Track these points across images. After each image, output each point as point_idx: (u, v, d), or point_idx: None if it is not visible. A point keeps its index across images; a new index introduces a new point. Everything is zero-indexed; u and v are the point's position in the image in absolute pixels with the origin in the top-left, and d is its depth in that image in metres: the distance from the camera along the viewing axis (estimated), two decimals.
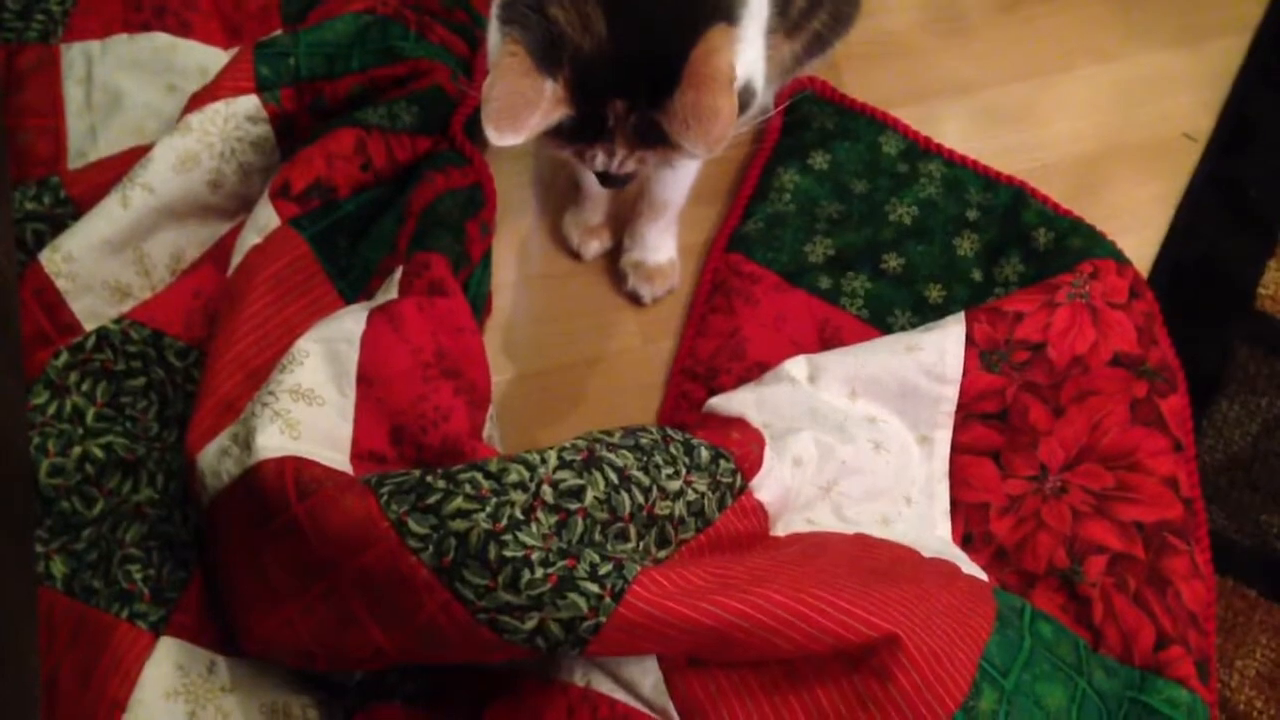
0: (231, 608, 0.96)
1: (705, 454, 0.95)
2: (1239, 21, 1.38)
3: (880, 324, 1.16)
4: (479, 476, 0.86)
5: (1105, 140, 1.32)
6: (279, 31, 1.26)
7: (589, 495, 0.88)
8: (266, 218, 1.09)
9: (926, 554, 0.99)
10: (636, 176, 0.97)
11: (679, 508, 0.91)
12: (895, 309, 1.17)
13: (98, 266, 1.09)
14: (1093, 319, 1.11)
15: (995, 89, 1.34)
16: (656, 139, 0.87)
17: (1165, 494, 1.06)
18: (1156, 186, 1.28)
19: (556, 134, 0.88)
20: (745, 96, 0.88)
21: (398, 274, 1.06)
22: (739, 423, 1.02)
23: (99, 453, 1.03)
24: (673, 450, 0.94)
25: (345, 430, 0.95)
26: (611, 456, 0.91)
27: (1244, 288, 1.23)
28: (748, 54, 0.89)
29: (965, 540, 1.05)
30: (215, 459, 0.95)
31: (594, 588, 0.82)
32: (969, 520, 1.06)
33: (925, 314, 1.16)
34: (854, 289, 1.17)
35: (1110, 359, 1.11)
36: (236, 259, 1.08)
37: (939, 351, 1.09)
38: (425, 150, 1.19)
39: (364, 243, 1.13)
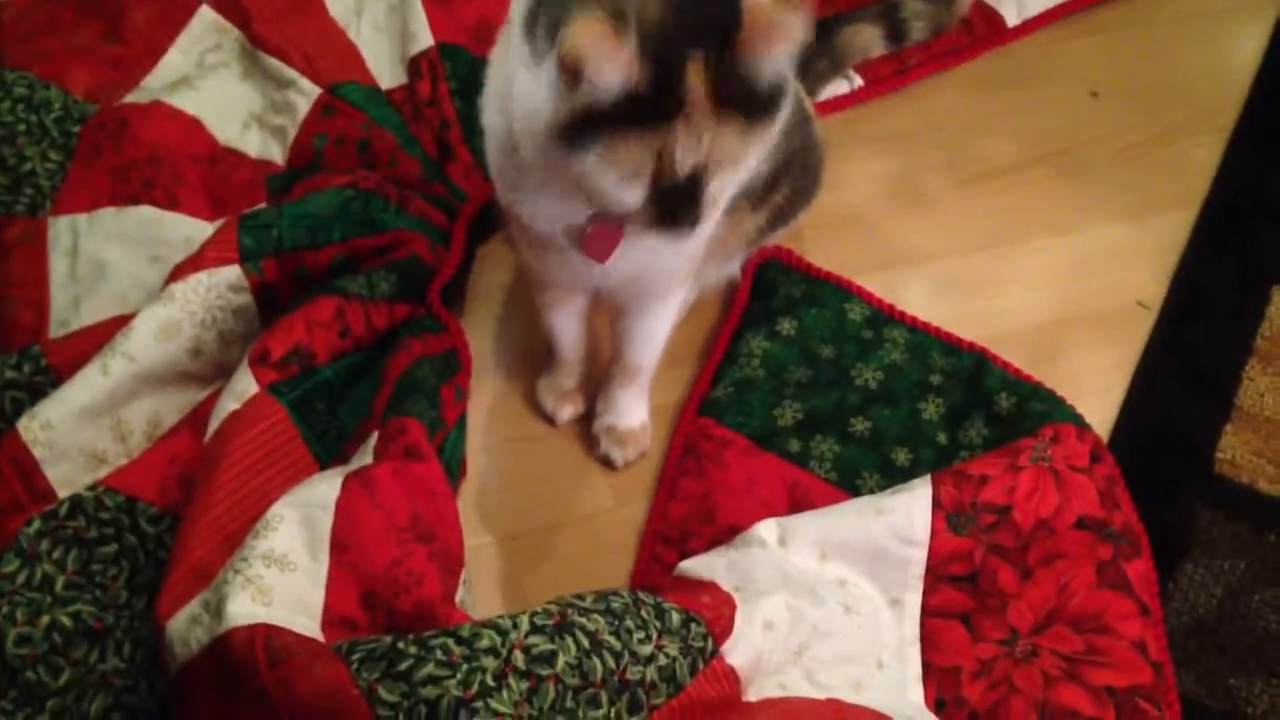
0: None
1: (676, 618, 0.95)
2: (1186, 196, 1.43)
3: (849, 486, 1.18)
4: (450, 642, 0.87)
5: (1061, 309, 1.35)
6: (263, 205, 1.29)
7: (560, 661, 0.88)
8: (245, 384, 1.10)
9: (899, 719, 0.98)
10: (704, 206, 0.88)
11: (650, 672, 0.91)
12: (863, 471, 1.18)
13: (74, 434, 1.09)
14: (1056, 483, 1.13)
15: (955, 259, 1.39)
16: (736, 94, 0.82)
17: (1135, 658, 1.06)
18: (1112, 353, 1.32)
19: (629, 117, 0.82)
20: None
21: (373, 439, 1.07)
22: (710, 587, 1.02)
23: (67, 621, 1.01)
24: (644, 614, 0.94)
25: (317, 596, 0.95)
26: (583, 621, 0.91)
27: (1202, 452, 1.25)
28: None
29: (939, 706, 1.04)
30: (185, 627, 0.94)
31: None
32: (941, 685, 1.05)
33: (893, 476, 1.18)
34: (822, 452, 1.19)
35: (1075, 522, 1.12)
36: (214, 424, 1.09)
37: (907, 515, 1.10)
38: (403, 317, 1.22)
39: (341, 407, 1.14)
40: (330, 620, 0.94)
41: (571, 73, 0.79)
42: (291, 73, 1.38)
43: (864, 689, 1.02)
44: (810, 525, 1.09)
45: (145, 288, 1.22)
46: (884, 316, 1.29)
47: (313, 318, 1.15)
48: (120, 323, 1.15)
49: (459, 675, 0.84)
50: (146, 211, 1.28)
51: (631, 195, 0.85)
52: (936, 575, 1.09)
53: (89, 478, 1.10)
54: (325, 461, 1.10)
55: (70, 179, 1.30)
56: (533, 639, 0.89)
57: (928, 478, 1.13)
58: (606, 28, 0.78)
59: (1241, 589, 1.16)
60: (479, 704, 0.83)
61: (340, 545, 0.97)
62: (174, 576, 0.99)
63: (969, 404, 1.23)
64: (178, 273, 1.16)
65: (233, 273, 1.17)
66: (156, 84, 1.40)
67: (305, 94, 1.37)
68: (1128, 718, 1.04)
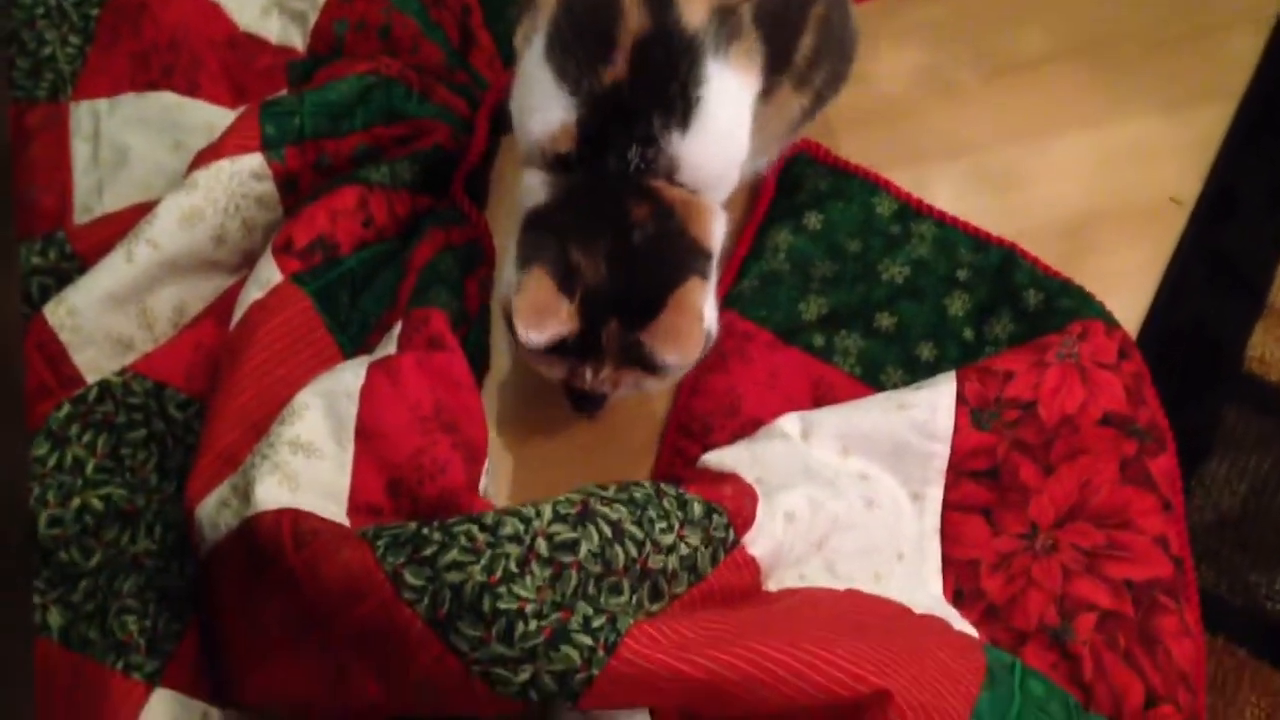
0: (226, 659, 0.97)
1: (698, 508, 0.96)
2: (1224, 90, 1.39)
3: (873, 382, 1.17)
4: (474, 529, 0.88)
5: (1092, 203, 1.32)
6: (284, 92, 1.27)
7: (583, 548, 0.89)
8: (269, 273, 1.10)
9: (918, 610, 1.00)
10: (606, 404, 1.11)
11: (672, 561, 0.92)
12: (888, 367, 1.18)
13: (100, 320, 1.10)
14: (1082, 378, 1.13)
15: (985, 152, 1.35)
16: (636, 360, 1.01)
17: (1155, 552, 1.07)
18: (1143, 250, 1.30)
19: (559, 350, 1.00)
20: (706, 340, 1.03)
21: (397, 329, 1.07)
22: (732, 478, 1.03)
23: (98, 504, 1.03)
24: (666, 504, 0.95)
25: (343, 482, 0.97)
26: (606, 510, 0.92)
27: (1232, 350, 1.24)
28: (708, 310, 1.03)
29: (956, 597, 1.05)
30: (214, 510, 0.96)
31: (587, 640, 0.83)
32: (960, 577, 1.06)
33: (917, 372, 1.17)
34: (847, 347, 1.19)
35: (1100, 418, 1.11)
36: (239, 313, 1.09)
37: (930, 409, 1.10)
38: (427, 207, 1.21)
39: (365, 297, 1.14)
40: (356, 506, 0.96)
41: (517, 332, 0.97)
42: None
43: (883, 579, 1.03)
44: (833, 419, 1.10)
45: (168, 175, 1.21)
46: (911, 211, 1.26)
47: (336, 207, 1.14)
48: (143, 210, 1.14)
49: (483, 561, 0.86)
50: (167, 98, 1.27)
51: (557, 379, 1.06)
52: (959, 470, 1.09)
53: (116, 364, 1.11)
54: (349, 350, 1.11)
55: (90, 64, 1.28)
56: (555, 527, 0.90)
57: (952, 373, 1.13)
58: (550, 295, 0.98)
59: (1266, 486, 1.16)
60: (502, 589, 0.84)
61: (365, 433, 0.98)
62: (202, 462, 1.00)
63: (996, 300, 1.21)
64: (200, 160, 1.16)
65: (255, 160, 1.16)
66: None
67: None
68: (1145, 610, 1.04)
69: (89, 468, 1.05)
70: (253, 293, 1.10)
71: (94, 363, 1.10)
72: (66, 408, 1.07)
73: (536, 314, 0.97)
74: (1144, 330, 1.24)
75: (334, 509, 0.95)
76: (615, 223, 0.99)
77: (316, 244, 1.13)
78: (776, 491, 1.02)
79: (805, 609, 0.97)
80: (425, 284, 1.13)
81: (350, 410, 0.99)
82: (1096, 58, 1.43)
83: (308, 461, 0.96)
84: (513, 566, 0.86)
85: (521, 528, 0.89)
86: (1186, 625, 1.05)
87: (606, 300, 0.99)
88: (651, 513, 0.94)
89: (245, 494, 0.94)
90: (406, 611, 0.85)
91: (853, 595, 1.01)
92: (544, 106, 1.00)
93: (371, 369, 1.02)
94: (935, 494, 1.09)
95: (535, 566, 0.87)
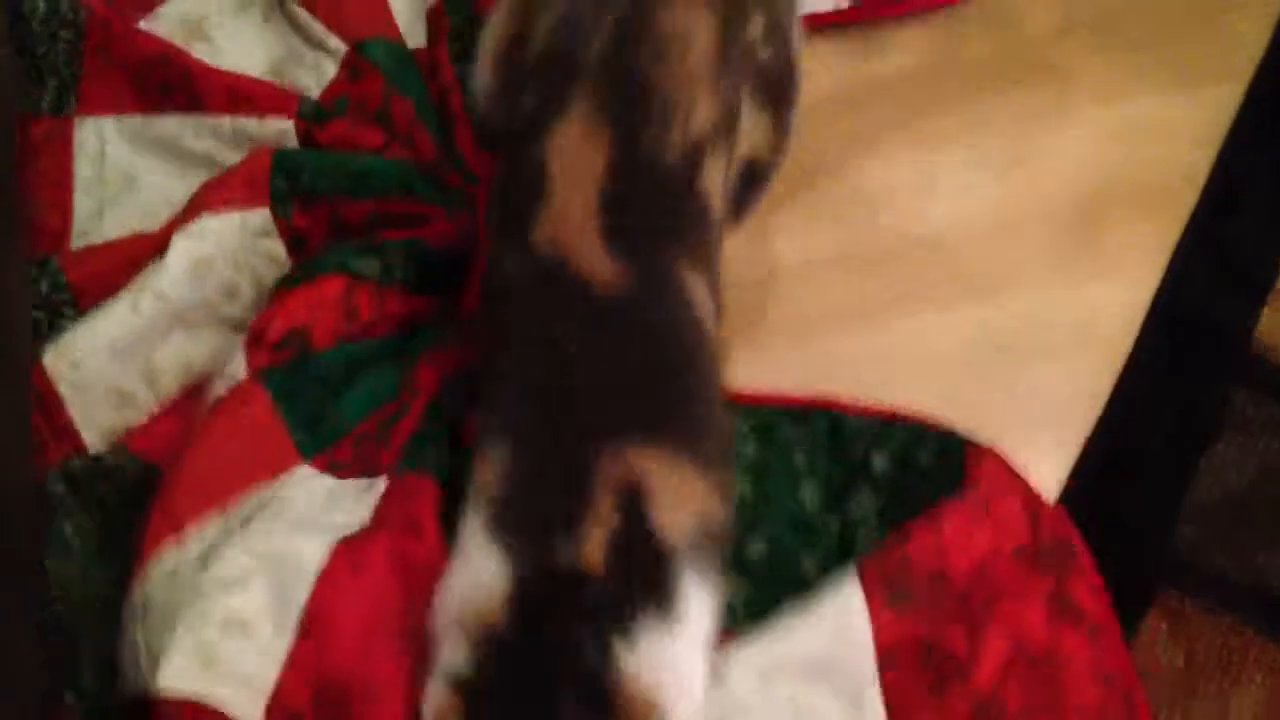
0: None
1: None
2: (1234, 71, 1.35)
3: None
4: None
5: (1100, 183, 1.29)
6: (297, 147, 1.22)
7: None
8: (234, 367, 1.05)
9: None
10: None
11: None
12: (780, 601, 1.04)
13: (102, 372, 1.08)
14: (984, 518, 1.04)
15: (992, 130, 1.31)
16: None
17: (1094, 684, 1.02)
18: (1151, 230, 1.26)
19: None
20: None
21: (379, 486, 1.01)
22: None
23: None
24: None
25: (270, 675, 0.89)
26: None
27: (1241, 333, 1.22)
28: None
29: None
30: (128, 652, 0.92)
31: None
32: None
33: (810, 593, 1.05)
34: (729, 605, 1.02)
35: (1011, 554, 1.03)
36: (201, 410, 1.05)
37: (839, 611, 1.00)
38: (426, 311, 1.14)
39: (344, 400, 1.07)
40: (277, 707, 0.89)
41: None
42: (319, 29, 1.27)
43: None
44: (744, 652, 1.00)
45: (174, 204, 1.17)
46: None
47: (314, 299, 1.07)
48: (142, 242, 1.12)
49: None
50: (175, 121, 1.22)
51: None
52: (890, 663, 0.99)
53: (114, 417, 1.08)
54: (310, 454, 1.04)
55: (89, 72, 1.24)
56: None
57: (847, 569, 1.03)
58: None
59: (1276, 466, 1.16)
60: None
61: (308, 629, 0.91)
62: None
63: (843, 476, 1.10)
64: (208, 200, 1.12)
65: (262, 216, 1.13)
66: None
67: (333, 54, 1.26)
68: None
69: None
70: (216, 389, 1.05)
71: (91, 416, 1.08)
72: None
73: None
74: (1152, 310, 1.22)
75: (251, 704, 0.88)
76: None
77: (289, 338, 1.06)
78: None
79: None
80: (425, 433, 1.05)
81: (300, 594, 0.91)
82: (1106, 35, 1.37)
83: (236, 644, 0.89)
84: None
85: None
86: None
87: None
88: None
89: (155, 660, 0.87)
90: None
91: None
92: None
93: (338, 552, 0.94)
94: (873, 694, 0.99)
95: None
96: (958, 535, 1.02)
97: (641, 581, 0.84)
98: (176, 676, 0.86)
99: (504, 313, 0.94)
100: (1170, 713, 1.08)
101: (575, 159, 0.91)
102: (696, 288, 0.93)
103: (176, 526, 0.95)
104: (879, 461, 1.10)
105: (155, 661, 0.87)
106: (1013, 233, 1.27)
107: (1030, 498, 1.07)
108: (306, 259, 1.13)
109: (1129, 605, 1.11)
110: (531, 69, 0.97)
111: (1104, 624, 1.04)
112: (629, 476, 0.86)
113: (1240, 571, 1.12)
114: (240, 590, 0.90)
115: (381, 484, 1.01)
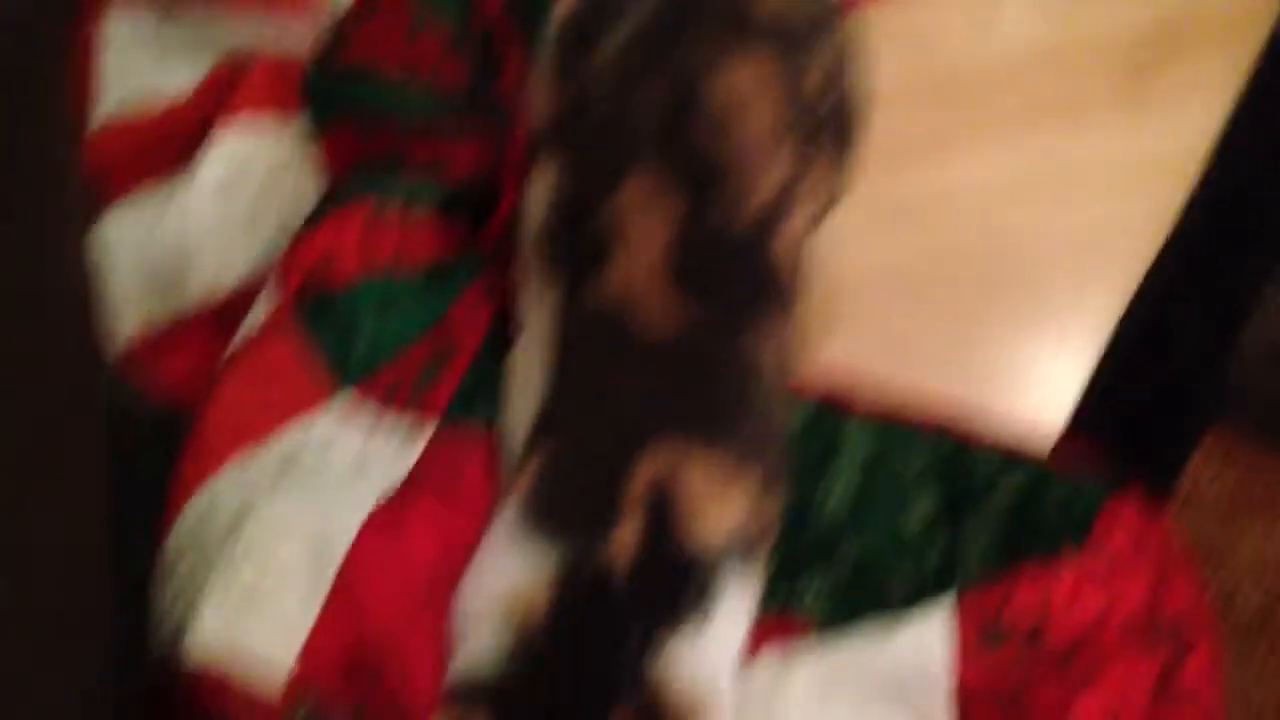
0: None
1: None
2: None
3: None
4: None
5: (1169, 14, 1.22)
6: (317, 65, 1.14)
7: None
8: (264, 305, 1.01)
9: None
10: None
11: None
12: (862, 623, 0.98)
13: (122, 286, 1.05)
14: (1104, 580, 0.97)
15: None
16: None
17: None
18: (1219, 66, 1.20)
19: None
20: None
21: (422, 437, 0.97)
22: None
23: None
24: None
25: (296, 641, 0.86)
26: None
27: None
28: None
29: None
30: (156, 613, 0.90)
31: None
32: None
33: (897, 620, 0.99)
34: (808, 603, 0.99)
35: (1122, 624, 0.97)
36: (230, 349, 1.01)
37: (920, 640, 0.95)
38: (457, 245, 1.08)
39: (378, 332, 1.03)
40: (305, 672, 0.86)
41: None
42: None
43: None
44: (806, 661, 0.95)
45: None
46: (829, 416, 1.06)
47: (341, 229, 1.03)
48: (161, 125, 1.08)
49: None
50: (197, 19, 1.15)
51: None
52: (966, 705, 0.94)
53: (134, 329, 1.06)
54: (344, 392, 1.00)
55: None
56: None
57: (945, 596, 0.97)
58: None
59: None
60: None
61: (343, 592, 0.88)
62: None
63: (956, 504, 1.03)
64: (234, 110, 1.08)
65: (290, 136, 1.09)
66: None
67: None
68: None
69: None
70: (245, 328, 1.01)
71: (109, 328, 1.05)
72: None
73: None
74: (1222, 142, 1.16)
75: (278, 670, 0.85)
76: None
77: (317, 270, 1.02)
78: None
79: None
80: (472, 385, 1.00)
81: (333, 558, 0.88)
82: None
83: (264, 607, 0.86)
84: None
85: None
86: None
87: None
88: None
89: (182, 622, 0.85)
90: None
91: None
92: None
93: (374, 515, 0.91)
94: None
95: None
96: (1069, 591, 0.97)
97: (679, 581, 0.83)
98: (204, 640, 0.84)
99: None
100: (1215, 542, 1.09)
101: (638, 225, 0.89)
102: (764, 351, 0.92)
103: (204, 474, 0.93)
104: (1001, 493, 1.03)
105: (183, 624, 0.85)
106: (1074, 66, 1.22)
107: (1160, 569, 0.99)
108: (331, 188, 1.09)
109: (1180, 440, 1.11)
110: (589, 130, 0.94)
111: (1209, 712, 0.97)
112: (667, 473, 0.85)
113: None
114: (270, 553, 0.88)
115: (424, 435, 0.98)
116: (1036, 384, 1.16)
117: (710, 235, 0.91)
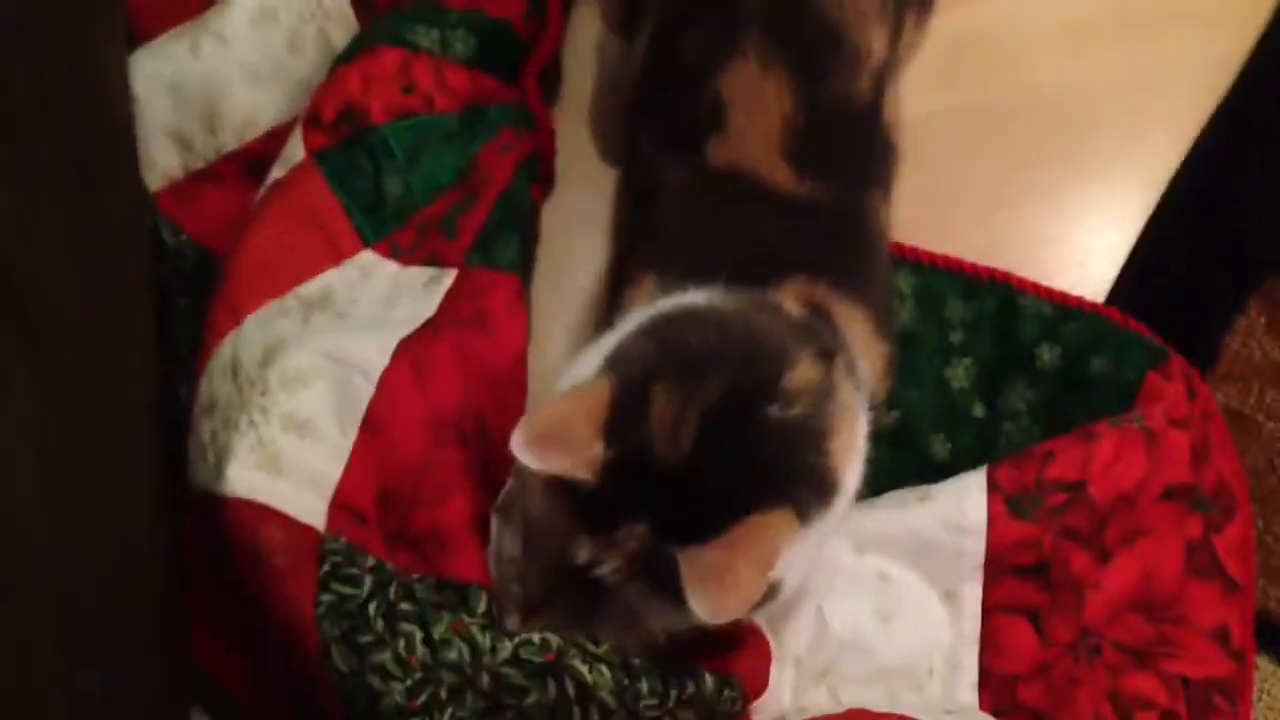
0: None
1: (710, 684, 0.84)
2: None
3: None
4: (417, 637, 0.80)
5: None
6: None
7: (532, 697, 0.81)
8: (293, 149, 1.00)
9: None
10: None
11: None
12: (901, 478, 0.98)
13: (160, 113, 1.04)
14: (1146, 447, 0.95)
15: None
16: (654, 578, 0.75)
17: (1213, 649, 0.95)
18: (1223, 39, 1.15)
19: (561, 494, 0.77)
20: (771, 590, 0.78)
21: (447, 279, 0.96)
22: (751, 635, 0.89)
23: None
24: (670, 679, 0.83)
25: (333, 474, 0.87)
26: (581, 670, 0.81)
27: None
28: (797, 558, 0.79)
29: (995, 714, 0.93)
30: (197, 450, 0.90)
31: None
32: (998, 694, 0.93)
33: (933, 477, 0.98)
34: None
35: (1161, 493, 0.95)
36: (260, 193, 1.00)
37: (957, 499, 0.94)
38: (491, 91, 1.06)
39: (410, 177, 1.01)
40: (340, 504, 0.86)
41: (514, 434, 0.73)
42: None
43: (899, 699, 0.92)
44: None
45: None
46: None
47: (371, 71, 1.01)
48: None
49: (409, 681, 0.79)
50: None
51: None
52: (999, 566, 0.93)
53: (172, 161, 1.06)
54: (371, 237, 0.99)
55: None
56: (508, 669, 0.81)
57: (979, 468, 0.96)
58: (583, 428, 0.73)
59: None
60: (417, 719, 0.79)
61: (372, 427, 0.88)
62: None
63: (1003, 361, 1.02)
64: None
65: None
66: None
67: None
68: (1199, 713, 0.93)
69: None
70: (275, 172, 1.00)
71: (148, 156, 1.04)
72: None
73: (547, 436, 0.74)
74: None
75: (314, 502, 0.86)
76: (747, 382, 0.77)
77: (344, 115, 1.00)
78: (784, 626, 0.91)
79: None
80: (497, 225, 0.99)
81: (364, 394, 0.88)
82: None
83: (299, 443, 0.86)
84: (442, 694, 0.79)
85: (468, 657, 0.80)
86: None
87: (662, 483, 0.75)
88: (643, 685, 0.82)
89: (218, 465, 0.85)
90: (330, 686, 0.80)
91: (850, 717, 0.89)
92: None
93: (400, 350, 0.90)
94: (973, 592, 0.94)
95: (469, 698, 0.80)
96: (1111, 459, 0.96)
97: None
98: (240, 476, 0.85)
99: (657, 212, 0.92)
100: (1259, 401, 1.08)
101: (756, 94, 0.89)
102: (881, 214, 0.93)
103: (237, 317, 0.93)
104: (1046, 354, 1.04)
105: (220, 460, 0.86)
106: None
107: (1204, 435, 0.99)
108: (365, 29, 1.06)
109: (1233, 289, 1.10)
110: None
111: (1242, 586, 0.97)
112: (815, 298, 0.85)
113: None
114: (302, 389, 0.88)
115: (449, 276, 0.98)
116: (1087, 235, 1.13)
117: (830, 102, 0.91)
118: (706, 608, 0.71)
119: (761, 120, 0.89)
